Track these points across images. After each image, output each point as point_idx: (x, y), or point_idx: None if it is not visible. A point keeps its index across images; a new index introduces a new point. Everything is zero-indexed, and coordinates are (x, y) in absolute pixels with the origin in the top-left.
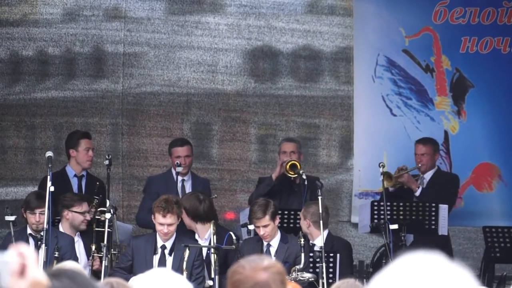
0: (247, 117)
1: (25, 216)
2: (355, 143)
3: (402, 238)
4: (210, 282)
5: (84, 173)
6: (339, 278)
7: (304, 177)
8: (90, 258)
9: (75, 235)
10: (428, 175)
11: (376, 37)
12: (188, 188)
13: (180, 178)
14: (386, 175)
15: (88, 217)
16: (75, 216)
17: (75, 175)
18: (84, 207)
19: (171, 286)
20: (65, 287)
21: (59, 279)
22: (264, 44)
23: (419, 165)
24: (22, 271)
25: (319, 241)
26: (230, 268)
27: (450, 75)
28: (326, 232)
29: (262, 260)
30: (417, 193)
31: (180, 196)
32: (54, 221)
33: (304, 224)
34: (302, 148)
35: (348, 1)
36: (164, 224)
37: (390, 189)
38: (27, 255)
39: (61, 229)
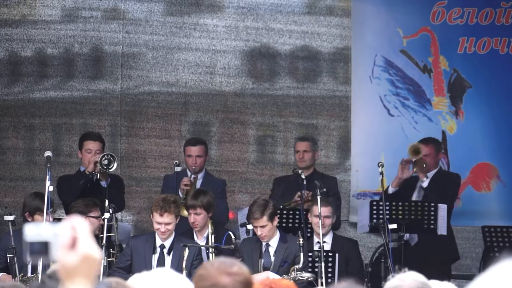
0: (245, 118)
1: (29, 220)
2: (352, 144)
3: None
4: None
5: None
6: (345, 278)
7: (303, 177)
8: None
9: None
10: (430, 175)
11: (374, 38)
12: (198, 186)
13: (192, 175)
14: (416, 148)
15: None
16: (92, 222)
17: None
18: (98, 212)
19: (175, 286)
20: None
21: (55, 279)
22: (262, 45)
23: (424, 165)
24: (73, 244)
25: (328, 240)
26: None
27: (448, 76)
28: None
29: (233, 265)
30: (424, 184)
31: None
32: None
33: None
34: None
35: (346, 2)
36: (161, 223)
37: (391, 190)
38: (79, 228)
39: None
